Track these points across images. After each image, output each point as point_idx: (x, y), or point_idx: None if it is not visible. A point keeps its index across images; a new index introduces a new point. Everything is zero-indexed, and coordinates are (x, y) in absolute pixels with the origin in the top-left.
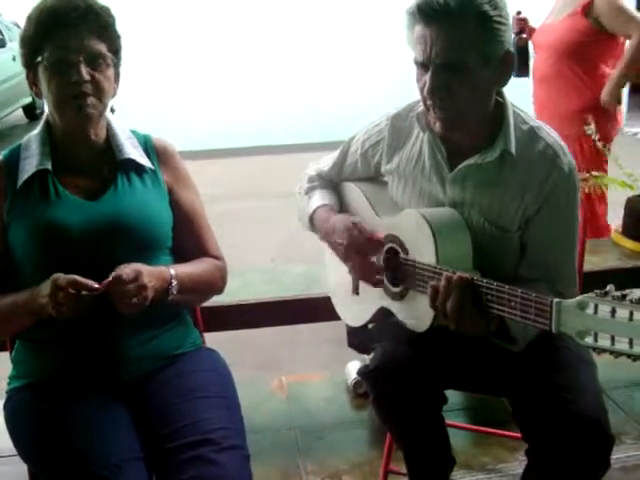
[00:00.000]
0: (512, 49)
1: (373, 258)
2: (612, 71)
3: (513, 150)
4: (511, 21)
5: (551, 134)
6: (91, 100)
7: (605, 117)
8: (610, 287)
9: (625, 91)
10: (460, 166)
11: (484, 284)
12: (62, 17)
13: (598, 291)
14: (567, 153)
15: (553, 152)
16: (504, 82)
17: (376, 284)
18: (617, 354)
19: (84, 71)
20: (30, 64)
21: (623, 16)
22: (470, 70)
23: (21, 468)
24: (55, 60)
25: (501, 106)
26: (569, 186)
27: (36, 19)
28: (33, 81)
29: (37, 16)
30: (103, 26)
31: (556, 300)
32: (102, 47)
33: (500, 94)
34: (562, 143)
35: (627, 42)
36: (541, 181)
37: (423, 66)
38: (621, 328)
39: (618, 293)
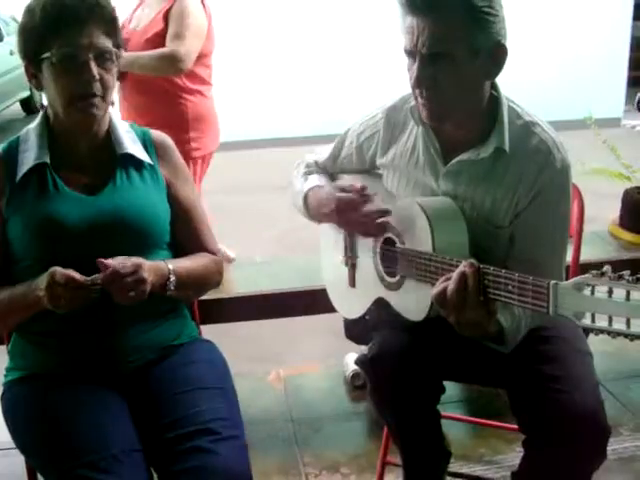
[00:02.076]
0: (504, 41)
1: (366, 209)
2: (184, 82)
3: (507, 147)
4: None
5: (546, 130)
6: (98, 100)
7: (195, 130)
8: (607, 268)
9: (623, 85)
10: (453, 161)
11: (482, 268)
12: (71, 12)
13: (595, 272)
14: (562, 149)
15: (547, 148)
16: (494, 75)
17: (380, 233)
18: (615, 334)
19: (95, 70)
20: (32, 58)
21: (180, 27)
22: (457, 61)
23: (19, 460)
24: (64, 57)
25: (496, 100)
26: (561, 183)
27: (42, 12)
28: (33, 74)
29: (43, 9)
30: (110, 21)
31: (553, 282)
32: (109, 43)
33: (495, 88)
34: (557, 139)
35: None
36: (533, 177)
37: (411, 55)
38: (618, 308)
39: (615, 274)
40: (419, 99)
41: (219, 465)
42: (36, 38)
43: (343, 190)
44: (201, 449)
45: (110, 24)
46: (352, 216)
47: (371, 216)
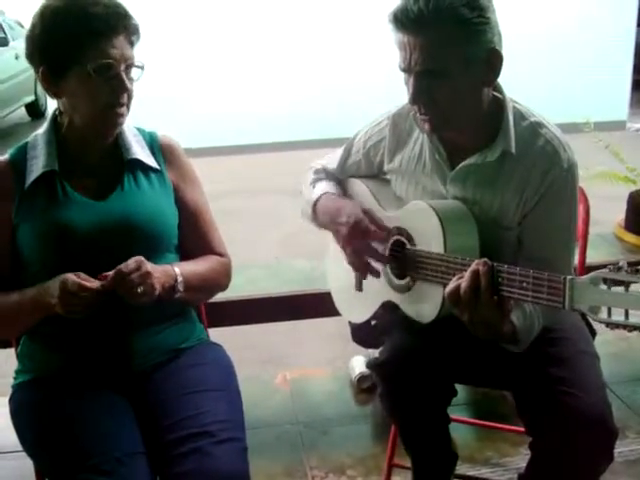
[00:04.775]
0: (498, 47)
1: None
2: None
3: (513, 149)
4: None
5: (552, 130)
6: (124, 110)
7: None
8: (623, 262)
9: (628, 88)
10: (460, 165)
11: (496, 267)
12: (105, 22)
13: (611, 266)
14: (568, 149)
15: (552, 148)
16: (491, 81)
17: (364, 272)
18: (631, 328)
19: (127, 82)
20: (58, 66)
21: None
22: (451, 74)
23: (27, 463)
24: (102, 68)
25: (500, 103)
26: (567, 182)
27: (73, 21)
28: (50, 80)
29: (73, 17)
30: (135, 32)
31: (569, 277)
32: (133, 53)
33: (499, 90)
34: (563, 139)
35: None
36: (541, 177)
37: (406, 72)
38: (635, 302)
39: (631, 267)
40: (418, 114)
41: (218, 468)
42: (67, 47)
43: (370, 217)
44: (200, 451)
45: (135, 35)
46: (358, 243)
47: (372, 255)
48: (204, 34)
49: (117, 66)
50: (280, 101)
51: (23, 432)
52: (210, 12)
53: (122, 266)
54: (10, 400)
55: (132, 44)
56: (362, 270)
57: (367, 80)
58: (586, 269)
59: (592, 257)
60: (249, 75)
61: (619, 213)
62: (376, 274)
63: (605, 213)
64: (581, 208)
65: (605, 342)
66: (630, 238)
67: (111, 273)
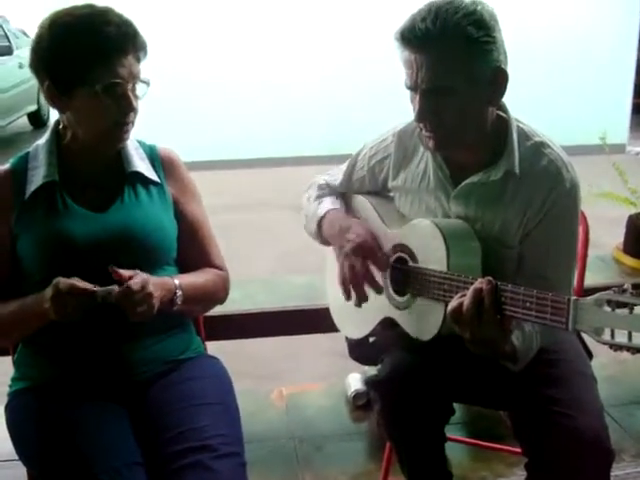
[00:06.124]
0: (504, 65)
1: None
2: None
3: (517, 170)
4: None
5: (555, 150)
6: (129, 127)
7: None
8: (627, 285)
9: (628, 111)
10: (463, 183)
11: (500, 286)
12: (115, 42)
13: (616, 288)
14: (571, 169)
15: (556, 168)
16: (497, 100)
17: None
18: (634, 350)
19: (134, 101)
20: (66, 83)
21: None
22: (458, 93)
23: (20, 472)
24: (108, 87)
25: (505, 122)
26: (569, 203)
27: (84, 39)
28: (55, 95)
29: (84, 36)
30: (143, 48)
31: (573, 298)
32: (140, 69)
33: (503, 110)
34: (566, 159)
35: None
36: (543, 197)
37: (412, 89)
38: (639, 324)
39: (636, 290)
40: (424, 131)
41: None
42: (76, 67)
43: (376, 241)
44: (200, 465)
45: (143, 51)
46: (359, 262)
47: (368, 277)
48: (204, 45)
49: (125, 85)
50: (284, 115)
51: (19, 440)
52: (207, 24)
53: (132, 284)
54: (6, 408)
55: (139, 60)
56: (355, 288)
57: (370, 97)
58: (584, 291)
59: (589, 279)
60: (251, 89)
61: (619, 236)
62: (364, 298)
63: (605, 236)
64: (580, 230)
65: (601, 365)
66: (628, 261)
67: (127, 273)
